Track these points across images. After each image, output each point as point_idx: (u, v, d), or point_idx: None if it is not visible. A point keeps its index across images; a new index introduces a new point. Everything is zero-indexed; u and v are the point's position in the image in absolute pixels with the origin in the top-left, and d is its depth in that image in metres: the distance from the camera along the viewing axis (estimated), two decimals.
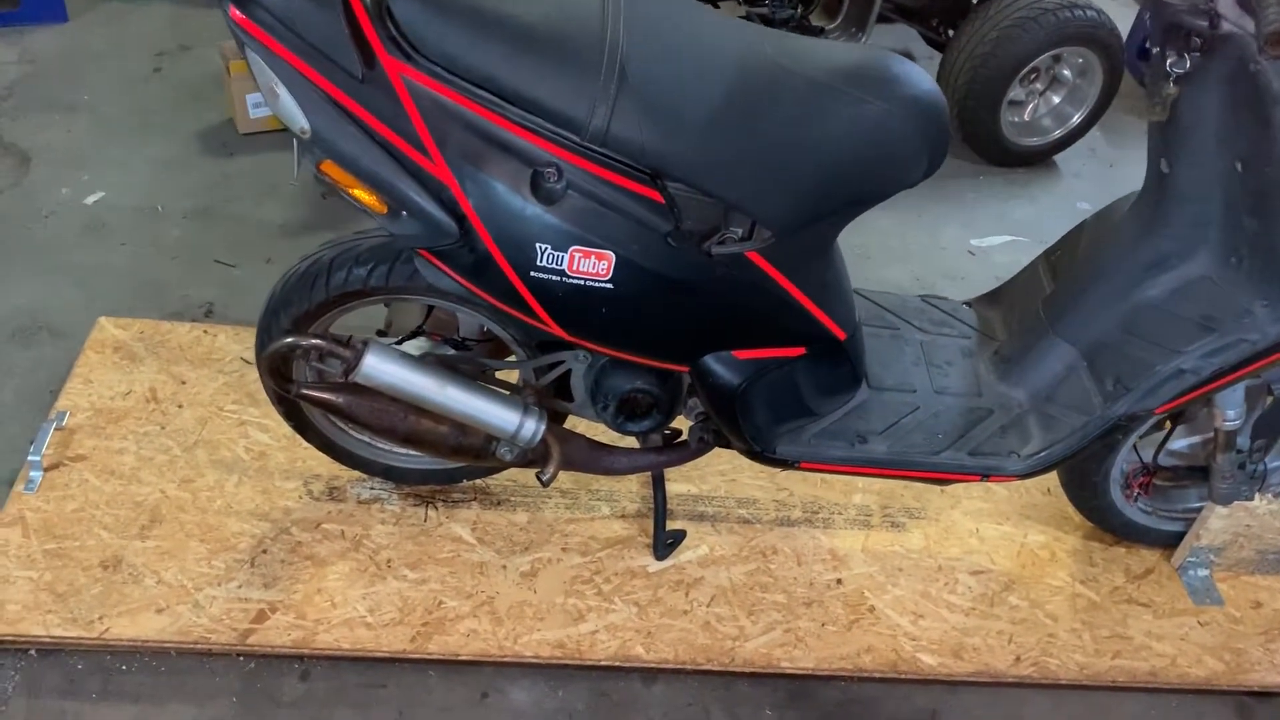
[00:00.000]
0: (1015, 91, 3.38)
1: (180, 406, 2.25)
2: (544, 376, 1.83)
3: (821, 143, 1.51)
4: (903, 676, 1.98)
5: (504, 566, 2.04)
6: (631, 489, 2.23)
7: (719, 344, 1.66)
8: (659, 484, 2.08)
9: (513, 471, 2.18)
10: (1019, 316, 1.98)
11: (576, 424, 1.99)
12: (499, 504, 2.16)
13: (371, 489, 2.14)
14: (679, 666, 1.94)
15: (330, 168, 1.46)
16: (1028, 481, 2.32)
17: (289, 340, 1.69)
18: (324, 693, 1.88)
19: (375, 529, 2.07)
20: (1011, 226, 3.32)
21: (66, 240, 2.79)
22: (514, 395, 1.81)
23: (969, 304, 2.12)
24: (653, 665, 1.94)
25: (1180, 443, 2.06)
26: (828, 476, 2.30)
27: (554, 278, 1.50)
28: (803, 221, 1.56)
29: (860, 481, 2.31)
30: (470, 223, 1.47)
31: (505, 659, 1.91)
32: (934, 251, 3.19)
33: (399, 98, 1.41)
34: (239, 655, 1.90)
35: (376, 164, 1.44)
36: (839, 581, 2.11)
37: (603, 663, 1.93)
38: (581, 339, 1.60)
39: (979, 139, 3.46)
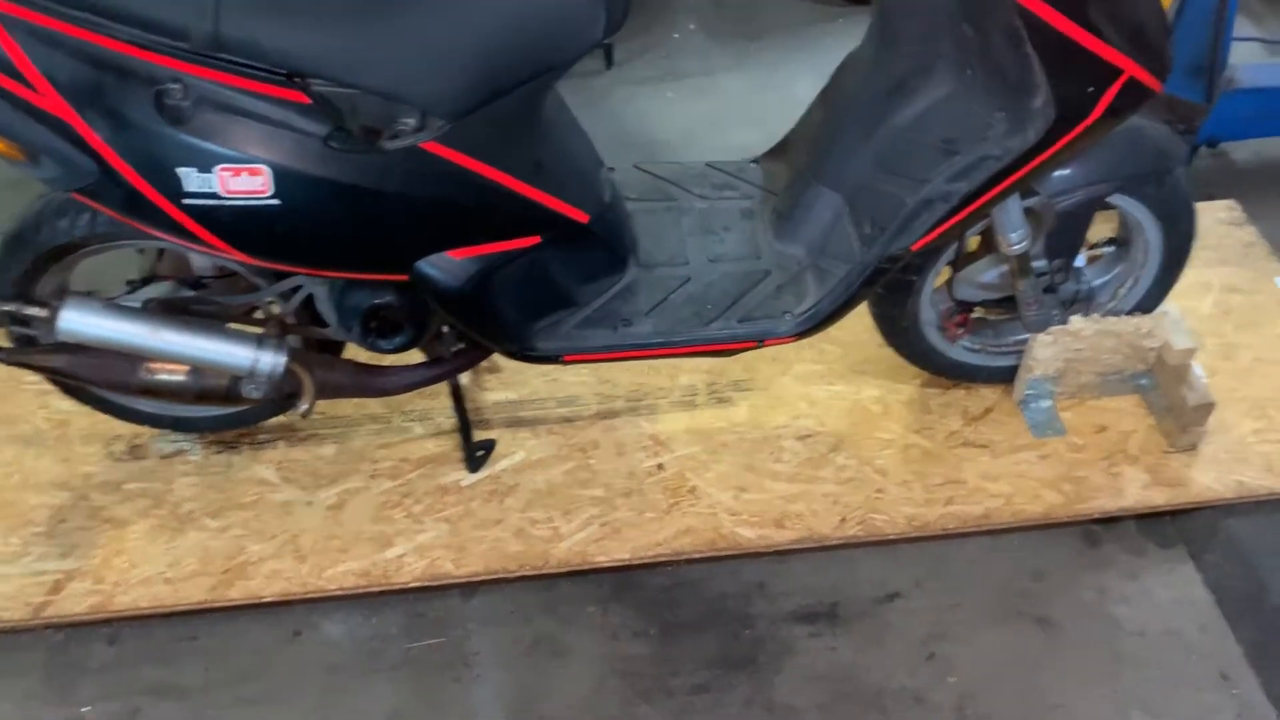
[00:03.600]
0: None
1: None
2: (290, 303, 1.75)
3: (473, 12, 1.39)
4: (722, 554, 1.93)
5: (309, 503, 1.99)
6: (447, 405, 2.15)
7: (428, 246, 1.56)
8: (457, 395, 2.01)
9: (320, 404, 2.11)
10: (793, 167, 1.86)
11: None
12: (306, 439, 2.10)
13: (174, 442, 2.08)
14: (490, 577, 1.90)
15: None
16: (863, 336, 2.24)
17: None
18: (132, 653, 1.85)
19: (178, 482, 2.02)
20: None
21: None
22: (260, 330, 1.73)
23: (756, 161, 2.01)
24: (463, 580, 1.89)
25: (990, 274, 1.95)
26: (655, 362, 2.22)
27: (210, 202, 1.41)
28: (475, 102, 1.44)
29: (688, 363, 2.23)
30: (104, 157, 1.37)
31: (310, 595, 1.87)
32: (789, 108, 2.98)
33: None
34: (46, 628, 1.87)
35: None
36: (660, 467, 2.04)
37: (411, 584, 1.89)
38: (272, 262, 1.51)
39: None
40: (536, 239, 1.63)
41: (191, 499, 2.00)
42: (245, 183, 1.40)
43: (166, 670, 1.83)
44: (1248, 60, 2.69)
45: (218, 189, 1.39)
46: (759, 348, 1.78)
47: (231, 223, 1.43)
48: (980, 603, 1.90)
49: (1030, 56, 1.42)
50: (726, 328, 1.74)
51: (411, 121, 1.44)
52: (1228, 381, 2.15)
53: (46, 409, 2.14)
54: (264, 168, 1.39)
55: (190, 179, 1.38)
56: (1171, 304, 2.08)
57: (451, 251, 1.57)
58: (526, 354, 1.73)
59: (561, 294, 1.73)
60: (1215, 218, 2.51)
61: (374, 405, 2.14)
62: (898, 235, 1.62)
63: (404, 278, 1.60)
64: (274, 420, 2.10)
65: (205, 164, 1.38)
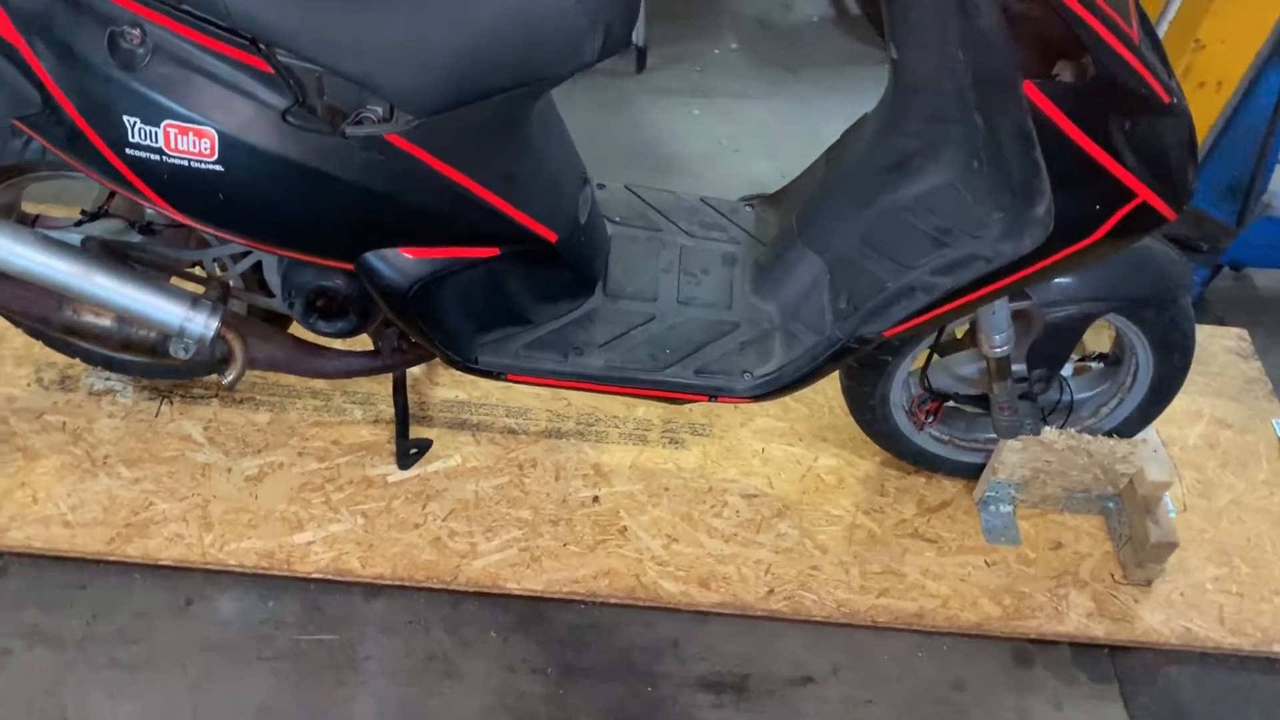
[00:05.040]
0: None
1: None
2: (236, 267, 1.67)
3: (461, 10, 1.30)
4: (640, 604, 1.85)
5: (229, 469, 1.92)
6: (391, 392, 2.07)
7: (377, 240, 1.47)
8: (399, 388, 1.93)
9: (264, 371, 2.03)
10: (784, 220, 1.77)
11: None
12: (241, 402, 2.02)
13: (107, 379, 2.01)
14: (396, 583, 1.82)
15: None
16: (833, 401, 2.16)
17: None
18: (16, 591, 1.79)
19: (100, 422, 1.95)
20: None
21: None
22: (200, 289, 1.65)
23: (751, 205, 1.92)
24: (367, 580, 1.82)
25: (969, 368, 1.86)
26: None
27: (153, 156, 1.33)
28: (448, 103, 1.36)
29: None
30: (49, 90, 1.29)
31: (209, 566, 1.80)
32: (812, 146, 2.88)
33: None
34: None
35: None
36: (595, 499, 1.96)
37: (313, 575, 1.81)
38: (208, 227, 1.43)
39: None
40: (496, 251, 1.55)
41: (110, 442, 1.93)
42: (191, 143, 1.32)
43: (48, 616, 1.76)
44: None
45: (162, 145, 1.32)
46: (711, 401, 1.69)
47: (169, 180, 1.35)
48: (895, 703, 1.81)
49: (1038, 162, 1.32)
50: (681, 376, 1.66)
51: (378, 110, 1.36)
52: (1198, 520, 2.05)
53: None
54: (212, 130, 1.31)
55: (136, 130, 1.31)
56: (1155, 428, 1.99)
57: (406, 249, 1.49)
58: (468, 365, 1.65)
59: (515, 310, 1.65)
60: (1222, 344, 2.41)
61: (317, 381, 2.07)
62: (871, 317, 1.53)
63: (348, 266, 1.52)
64: (213, 376, 2.02)
65: (153, 117, 1.30)
